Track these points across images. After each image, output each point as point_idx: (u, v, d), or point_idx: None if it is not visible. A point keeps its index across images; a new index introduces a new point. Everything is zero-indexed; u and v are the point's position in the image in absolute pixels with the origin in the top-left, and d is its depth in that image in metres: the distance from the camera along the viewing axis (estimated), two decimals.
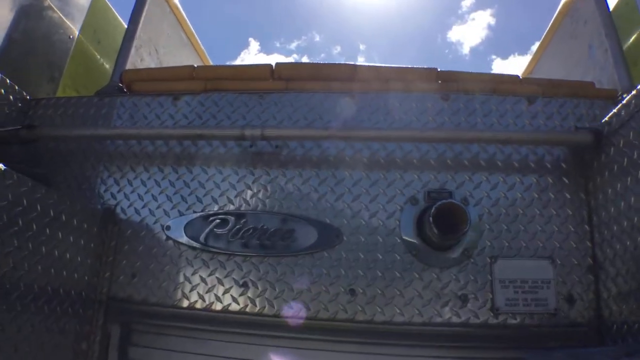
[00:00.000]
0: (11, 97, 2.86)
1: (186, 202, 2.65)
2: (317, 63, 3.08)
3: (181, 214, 2.63)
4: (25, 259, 2.06)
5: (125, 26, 3.67)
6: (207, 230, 2.56)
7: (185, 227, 2.59)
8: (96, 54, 3.79)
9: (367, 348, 2.43)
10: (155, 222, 2.64)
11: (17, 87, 2.90)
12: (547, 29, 4.25)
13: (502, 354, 2.37)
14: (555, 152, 2.58)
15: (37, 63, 3.27)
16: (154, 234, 2.62)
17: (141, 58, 3.66)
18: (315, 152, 2.67)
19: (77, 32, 3.57)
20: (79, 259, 2.41)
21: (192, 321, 2.51)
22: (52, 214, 2.24)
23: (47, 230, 2.20)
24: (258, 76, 3.01)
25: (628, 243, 2.12)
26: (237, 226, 2.54)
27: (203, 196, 2.65)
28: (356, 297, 2.40)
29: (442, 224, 2.24)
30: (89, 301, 2.47)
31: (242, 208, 2.60)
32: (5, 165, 1.99)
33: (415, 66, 2.97)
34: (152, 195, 2.69)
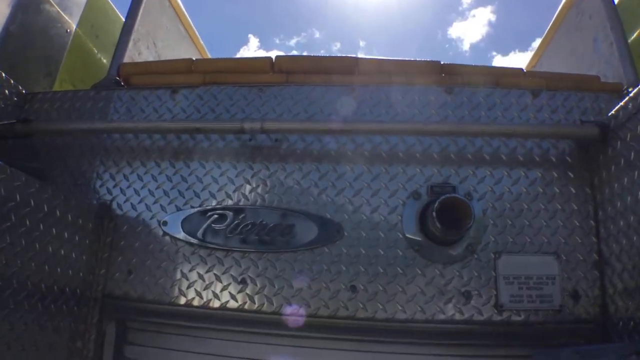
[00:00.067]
0: (7, 91, 2.83)
1: (183, 197, 2.61)
2: (318, 56, 3.05)
3: (178, 209, 2.59)
4: (18, 255, 2.03)
5: (123, 20, 3.63)
6: (204, 225, 2.52)
7: (182, 223, 2.55)
8: (94, 48, 3.76)
9: (369, 346, 2.41)
10: (152, 218, 2.60)
11: (12, 81, 2.87)
12: (551, 22, 4.21)
13: (506, 351, 2.35)
14: (560, 145, 2.54)
15: (33, 57, 3.25)
16: (151, 229, 2.58)
17: (139, 52, 3.62)
18: (316, 146, 2.63)
19: (74, 26, 3.55)
20: (73, 255, 2.38)
21: (189, 319, 2.49)
22: (46, 209, 2.21)
23: (41, 226, 2.18)
24: (258, 69, 2.99)
25: (634, 238, 2.09)
26: (236, 221, 2.50)
27: (201, 191, 2.61)
28: (357, 294, 2.36)
29: (445, 219, 2.21)
30: (84, 298, 2.44)
31: (241, 203, 2.56)
32: None
33: (417, 59, 2.93)
34: (149, 190, 2.66)
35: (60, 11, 3.39)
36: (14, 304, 1.99)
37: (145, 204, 2.63)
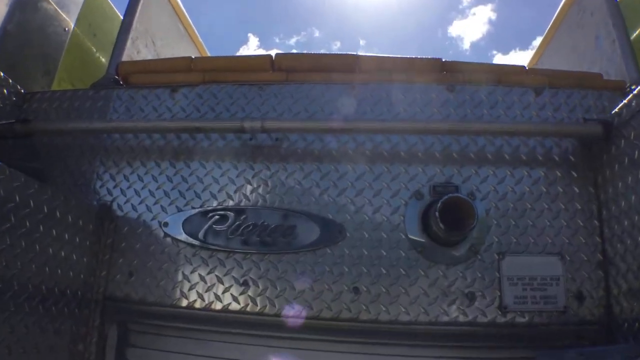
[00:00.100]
0: (5, 90, 2.81)
1: (184, 198, 2.59)
2: (319, 53, 3.02)
3: (179, 210, 2.57)
4: (18, 257, 2.01)
5: (122, 18, 3.61)
6: (206, 226, 2.50)
7: (183, 224, 2.53)
8: (92, 46, 3.75)
9: (372, 348, 2.39)
10: (152, 219, 2.58)
11: (11, 81, 2.85)
12: (553, 19, 4.19)
13: (510, 353, 2.34)
14: (563, 144, 2.52)
15: (31, 56, 3.23)
16: (152, 230, 2.56)
17: (138, 50, 3.60)
18: (317, 145, 2.61)
19: (72, 25, 3.53)
20: (74, 257, 2.36)
21: (191, 321, 2.47)
22: (46, 210, 2.19)
23: (41, 227, 2.16)
24: (258, 67, 2.96)
25: (639, 238, 2.07)
26: (237, 222, 2.48)
27: (202, 191, 2.59)
28: (360, 296, 2.35)
29: (448, 219, 2.19)
30: (85, 301, 2.42)
31: (242, 204, 2.54)
32: None
33: (419, 56, 2.90)
34: (150, 190, 2.64)
35: (58, 9, 3.37)
36: (15, 306, 1.97)
37: (146, 205, 2.61)
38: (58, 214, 2.26)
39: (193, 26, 4.62)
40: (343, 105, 2.68)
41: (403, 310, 2.31)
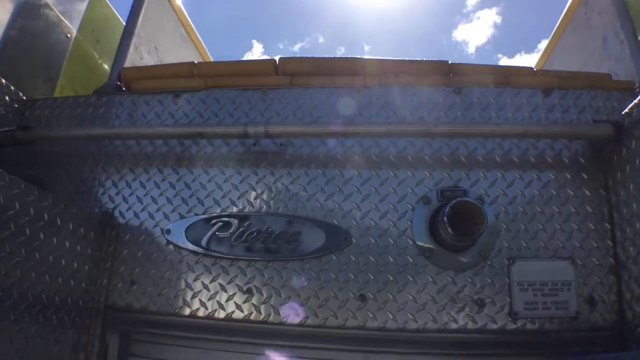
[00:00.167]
0: (7, 97, 2.81)
1: (187, 205, 2.57)
2: (323, 57, 2.98)
3: (182, 217, 2.55)
4: (18, 265, 1.99)
5: (124, 24, 3.59)
6: (209, 233, 2.47)
7: (186, 231, 2.50)
8: (94, 53, 3.74)
9: (379, 357, 2.35)
10: (155, 226, 2.56)
11: (12, 88, 2.86)
12: (559, 20, 4.16)
13: None
14: (573, 146, 2.49)
15: (33, 63, 3.22)
16: (154, 238, 2.53)
17: (140, 56, 3.58)
18: (322, 150, 2.58)
19: (74, 31, 3.53)
20: (75, 265, 2.33)
21: (194, 330, 2.43)
22: (46, 217, 2.17)
23: (42, 235, 2.14)
24: (261, 72, 2.94)
25: None
26: (241, 229, 2.46)
27: (204, 198, 2.57)
28: (367, 303, 2.31)
29: (457, 224, 2.16)
30: (86, 310, 2.40)
31: (246, 210, 2.52)
32: None
33: (424, 59, 2.87)
34: (152, 197, 2.61)
35: (61, 16, 3.37)
36: (15, 315, 1.95)
37: (148, 212, 2.59)
38: (59, 221, 2.24)
39: (196, 32, 4.62)
40: (348, 109, 2.65)
41: (411, 317, 2.28)
